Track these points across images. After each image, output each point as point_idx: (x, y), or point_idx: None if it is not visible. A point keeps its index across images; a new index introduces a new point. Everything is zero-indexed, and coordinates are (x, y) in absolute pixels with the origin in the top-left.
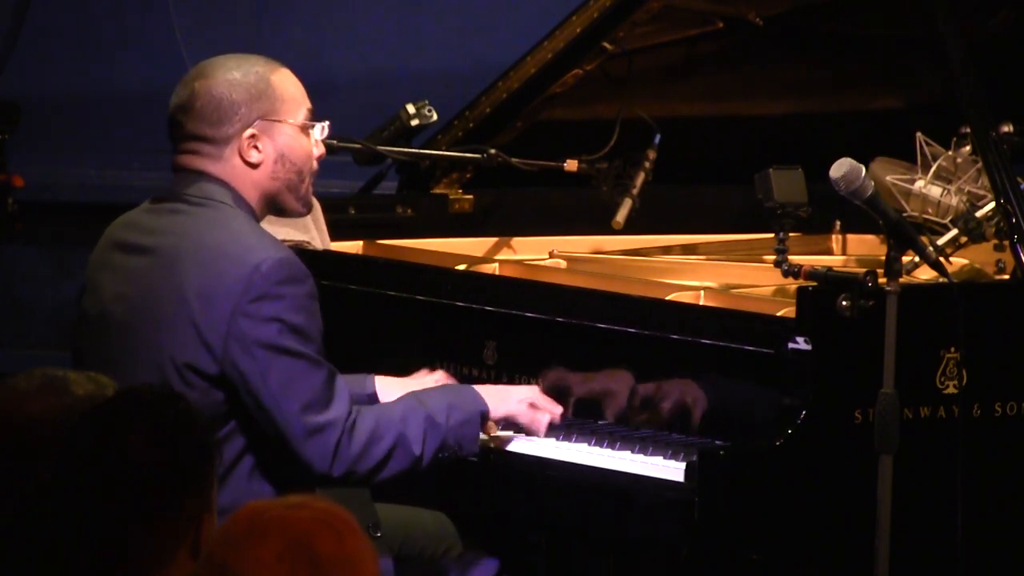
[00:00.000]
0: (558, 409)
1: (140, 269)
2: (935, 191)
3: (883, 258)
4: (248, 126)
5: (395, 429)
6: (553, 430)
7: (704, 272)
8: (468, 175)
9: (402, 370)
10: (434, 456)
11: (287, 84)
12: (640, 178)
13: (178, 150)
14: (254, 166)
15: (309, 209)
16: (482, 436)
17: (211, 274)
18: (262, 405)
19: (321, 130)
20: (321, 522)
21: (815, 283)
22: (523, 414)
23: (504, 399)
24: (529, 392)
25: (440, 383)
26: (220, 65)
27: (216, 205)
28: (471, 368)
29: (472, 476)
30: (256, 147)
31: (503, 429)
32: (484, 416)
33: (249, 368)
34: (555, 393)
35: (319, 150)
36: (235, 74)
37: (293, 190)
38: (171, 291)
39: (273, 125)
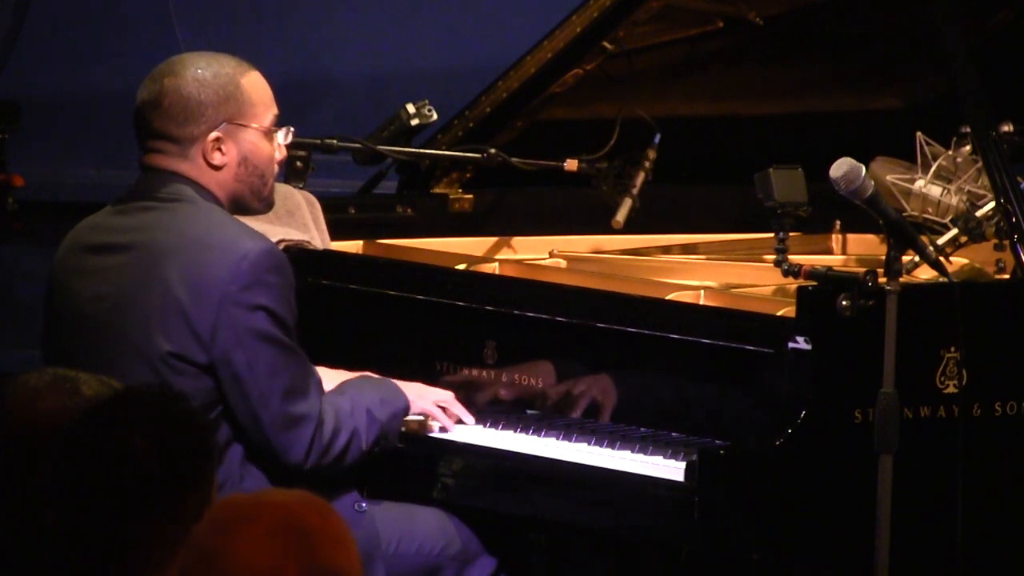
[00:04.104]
0: (469, 418)
1: (117, 267)
2: (935, 191)
3: (883, 258)
4: (214, 128)
5: (350, 423)
6: (553, 429)
7: (704, 272)
8: (468, 175)
9: (403, 370)
10: (372, 449)
11: (256, 88)
12: (640, 178)
13: (143, 147)
14: (217, 168)
15: (270, 207)
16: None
17: (198, 264)
18: (245, 392)
19: (284, 135)
20: (303, 503)
21: (815, 283)
22: (436, 413)
23: (422, 396)
24: (443, 395)
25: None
26: (191, 63)
27: (187, 201)
28: (471, 368)
29: (471, 474)
30: (220, 150)
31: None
32: (405, 411)
33: (237, 356)
34: (555, 392)
35: (280, 154)
36: (205, 74)
37: (255, 192)
38: (156, 283)
39: (238, 129)
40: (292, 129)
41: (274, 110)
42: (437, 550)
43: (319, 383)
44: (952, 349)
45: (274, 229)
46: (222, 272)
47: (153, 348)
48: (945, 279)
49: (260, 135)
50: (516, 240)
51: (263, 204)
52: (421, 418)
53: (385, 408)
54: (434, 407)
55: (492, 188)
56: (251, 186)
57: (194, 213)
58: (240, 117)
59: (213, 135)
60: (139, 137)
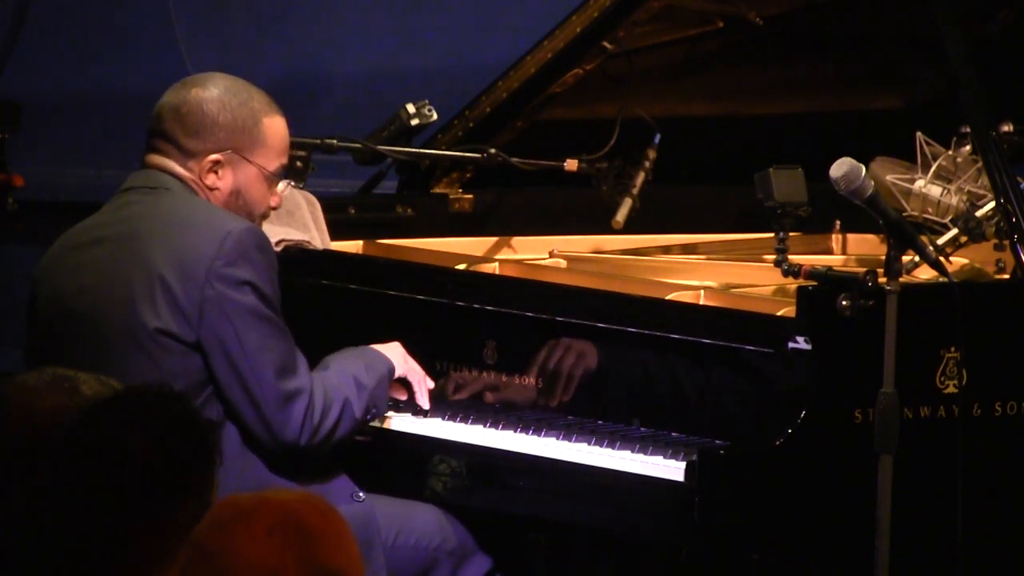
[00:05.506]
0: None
1: (98, 258)
2: (935, 191)
3: (883, 258)
4: (218, 151)
5: (340, 395)
6: (553, 429)
7: (704, 272)
8: (468, 175)
9: None
10: (363, 418)
11: (274, 132)
12: (640, 178)
13: (149, 145)
14: (209, 188)
15: None
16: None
17: (182, 243)
18: (237, 369)
19: (283, 186)
20: (304, 502)
21: (815, 283)
22: (416, 381)
23: (405, 358)
24: (419, 370)
25: None
26: (224, 85)
27: (170, 190)
28: (471, 368)
29: (471, 473)
30: (216, 172)
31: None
32: (391, 373)
33: (226, 332)
34: (555, 392)
35: (275, 201)
36: (232, 100)
37: None
38: (139, 264)
39: (241, 161)
40: (292, 183)
41: (284, 160)
42: (434, 545)
43: (306, 361)
44: (952, 349)
45: (274, 229)
46: (206, 249)
47: (140, 325)
48: (945, 279)
49: (260, 176)
50: (516, 240)
51: None
52: (391, 414)
53: (371, 374)
54: (414, 372)
55: (492, 188)
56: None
57: (173, 199)
58: (248, 151)
59: (215, 156)
60: (148, 135)
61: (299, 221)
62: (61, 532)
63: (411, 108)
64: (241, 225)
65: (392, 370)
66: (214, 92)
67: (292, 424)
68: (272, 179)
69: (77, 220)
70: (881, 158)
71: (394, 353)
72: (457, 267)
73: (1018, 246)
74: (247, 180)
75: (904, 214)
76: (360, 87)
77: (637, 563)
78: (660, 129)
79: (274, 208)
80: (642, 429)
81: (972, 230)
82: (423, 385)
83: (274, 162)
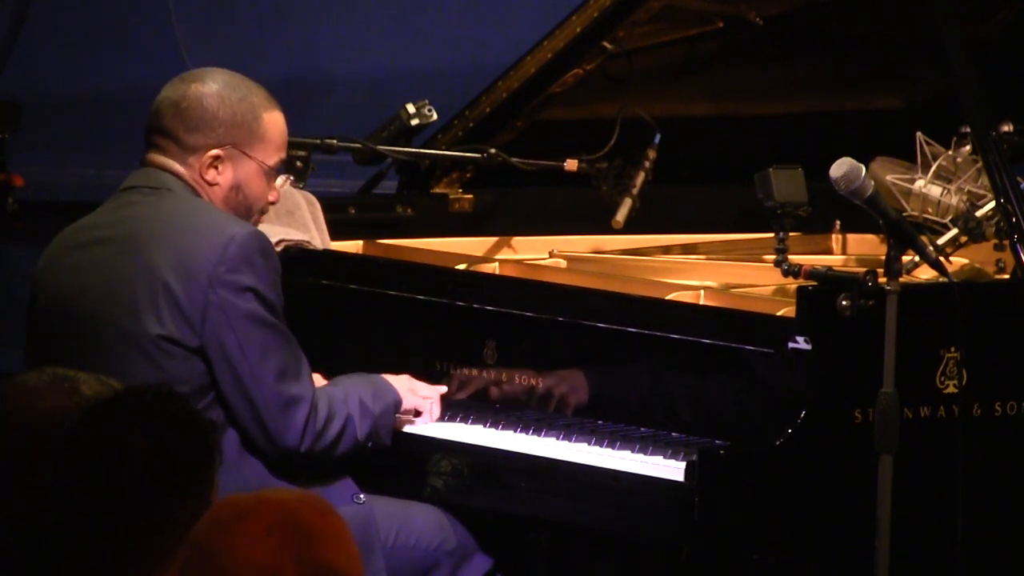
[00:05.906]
0: (435, 412)
1: (100, 259)
2: (935, 191)
3: (883, 258)
4: (218, 146)
5: (344, 409)
6: (553, 429)
7: (704, 272)
8: (468, 175)
9: (402, 370)
10: (366, 441)
11: (273, 127)
12: (640, 178)
13: (148, 142)
14: (209, 184)
15: None
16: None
17: (184, 248)
18: (238, 375)
19: (282, 181)
20: (302, 501)
21: (815, 283)
22: (425, 410)
23: (413, 390)
24: (432, 391)
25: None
26: (222, 80)
27: (171, 190)
28: (471, 368)
29: (471, 473)
30: (216, 167)
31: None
32: (397, 406)
33: (228, 338)
34: (555, 392)
35: (273, 197)
36: (231, 94)
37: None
38: (141, 269)
39: (241, 156)
40: (291, 178)
41: (282, 154)
42: (434, 545)
43: (309, 368)
44: (952, 349)
45: (274, 229)
46: (209, 254)
47: (143, 332)
48: (945, 279)
49: (259, 171)
50: (516, 240)
51: None
52: (408, 418)
53: (377, 401)
54: (424, 403)
55: (492, 188)
56: (236, 213)
57: (175, 201)
58: (247, 146)
59: (215, 151)
60: (147, 132)
61: (299, 221)
62: (61, 532)
63: (411, 108)
64: (244, 230)
65: (399, 403)
66: (213, 87)
67: (293, 429)
68: (271, 174)
69: (77, 220)
70: (881, 158)
71: (402, 384)
72: (457, 267)
73: (1018, 246)
74: (247, 175)
75: (904, 214)
76: (360, 87)
77: (637, 563)
78: (660, 129)
79: (272, 203)
80: (642, 429)
81: (972, 230)
82: (434, 415)
83: (273, 157)
